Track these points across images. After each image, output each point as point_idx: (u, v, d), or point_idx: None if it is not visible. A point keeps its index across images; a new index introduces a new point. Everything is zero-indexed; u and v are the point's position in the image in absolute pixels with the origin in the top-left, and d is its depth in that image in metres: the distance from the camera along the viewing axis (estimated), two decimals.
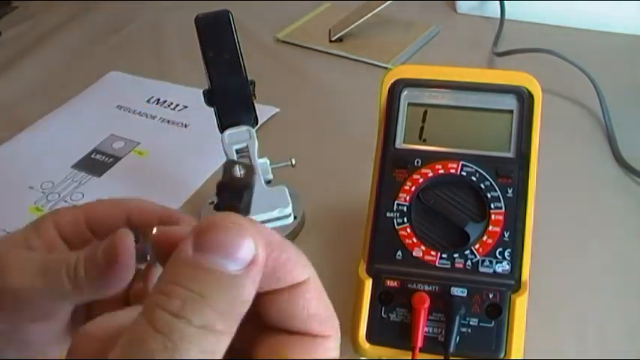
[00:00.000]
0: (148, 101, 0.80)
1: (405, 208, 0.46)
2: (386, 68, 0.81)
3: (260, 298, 0.23)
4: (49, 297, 0.35)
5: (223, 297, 0.21)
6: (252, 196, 0.24)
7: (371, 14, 0.86)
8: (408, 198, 0.46)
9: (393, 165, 0.47)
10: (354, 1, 0.93)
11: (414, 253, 0.44)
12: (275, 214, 0.56)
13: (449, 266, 0.44)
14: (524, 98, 0.47)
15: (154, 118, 0.77)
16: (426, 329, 0.43)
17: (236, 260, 0.21)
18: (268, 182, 0.57)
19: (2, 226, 0.62)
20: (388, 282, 0.45)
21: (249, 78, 0.56)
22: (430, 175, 0.46)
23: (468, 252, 0.44)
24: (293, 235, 0.57)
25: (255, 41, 0.89)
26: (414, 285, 0.44)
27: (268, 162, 0.57)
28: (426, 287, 0.44)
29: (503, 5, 0.89)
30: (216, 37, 0.55)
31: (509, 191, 0.45)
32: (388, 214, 0.46)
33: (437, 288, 0.44)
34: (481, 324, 0.43)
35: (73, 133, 0.75)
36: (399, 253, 0.45)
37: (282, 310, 0.23)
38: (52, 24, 1.01)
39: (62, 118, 0.78)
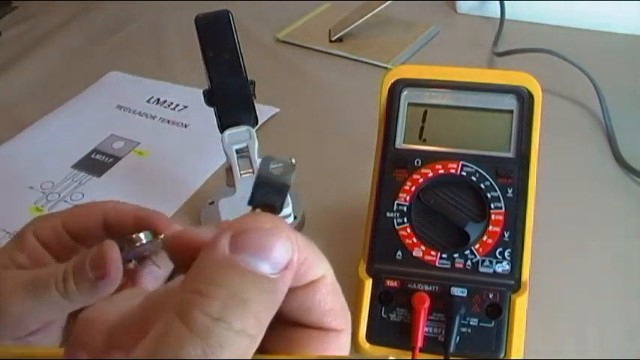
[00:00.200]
0: (148, 101, 0.80)
1: (405, 208, 0.46)
2: (386, 68, 0.81)
3: None
4: (42, 312, 0.36)
5: (262, 301, 0.21)
6: (286, 195, 0.24)
7: (371, 14, 0.86)
8: (408, 198, 0.46)
9: (393, 165, 0.47)
10: (354, 1, 0.93)
11: (414, 253, 0.44)
12: None
13: (449, 266, 0.44)
14: (524, 98, 0.47)
15: (154, 118, 0.77)
16: (426, 329, 0.43)
17: (274, 264, 0.21)
18: None
19: (2, 226, 0.62)
20: (388, 282, 0.45)
21: (249, 78, 0.56)
22: (430, 175, 0.46)
23: (467, 252, 0.44)
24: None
25: (255, 41, 0.89)
26: (414, 285, 0.44)
27: None
28: (426, 287, 0.44)
29: (503, 5, 0.89)
30: (216, 37, 0.55)
31: (509, 191, 0.45)
32: (388, 214, 0.46)
33: (437, 288, 0.44)
34: (481, 324, 0.43)
35: (73, 133, 0.75)
36: (399, 253, 0.45)
37: (298, 306, 0.23)
38: (52, 24, 1.01)
39: (62, 118, 0.78)
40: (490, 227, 0.44)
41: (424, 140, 0.48)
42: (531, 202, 0.45)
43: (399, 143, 0.48)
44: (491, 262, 0.43)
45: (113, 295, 0.25)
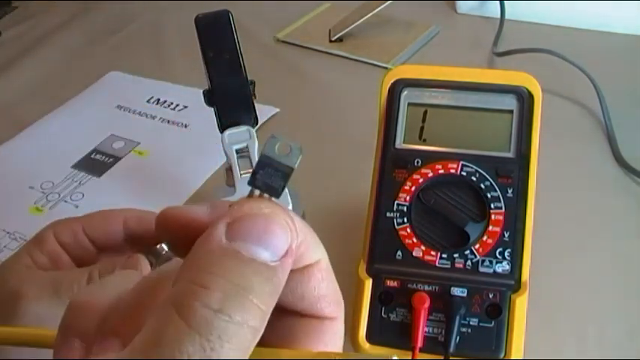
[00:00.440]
0: (148, 101, 0.80)
1: (405, 208, 0.46)
2: (386, 68, 0.81)
3: None
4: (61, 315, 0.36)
5: (263, 290, 0.19)
6: (288, 179, 0.22)
7: (371, 14, 0.86)
8: (408, 198, 0.46)
9: (393, 165, 0.47)
10: (354, 1, 0.93)
11: (414, 253, 0.44)
12: None
13: (449, 266, 0.44)
14: (524, 98, 0.47)
15: (153, 118, 0.77)
16: (426, 329, 0.43)
17: (274, 251, 0.20)
18: None
19: (2, 226, 0.62)
20: (388, 282, 0.45)
21: (249, 78, 0.56)
22: (430, 175, 0.46)
23: (467, 252, 0.44)
24: None
25: (255, 41, 0.89)
26: (414, 285, 0.44)
27: None
28: (426, 287, 0.44)
29: (503, 5, 0.89)
30: (216, 37, 0.55)
31: (509, 191, 0.45)
32: (388, 214, 0.46)
33: (437, 288, 0.44)
34: (481, 324, 0.43)
35: (73, 133, 0.75)
36: (399, 253, 0.45)
37: (292, 291, 0.22)
38: (52, 24, 1.01)
39: (62, 118, 0.78)
40: (490, 227, 0.44)
41: (424, 140, 0.48)
42: (531, 202, 0.45)
43: (399, 143, 0.48)
44: (491, 262, 0.43)
45: (103, 279, 0.24)
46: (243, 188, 0.55)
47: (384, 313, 0.44)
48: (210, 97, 0.55)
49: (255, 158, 0.55)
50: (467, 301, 0.43)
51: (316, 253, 0.22)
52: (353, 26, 0.87)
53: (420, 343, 0.42)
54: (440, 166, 0.46)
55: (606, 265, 0.54)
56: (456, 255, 0.44)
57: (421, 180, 0.46)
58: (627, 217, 0.58)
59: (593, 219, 0.58)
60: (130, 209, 0.43)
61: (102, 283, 0.24)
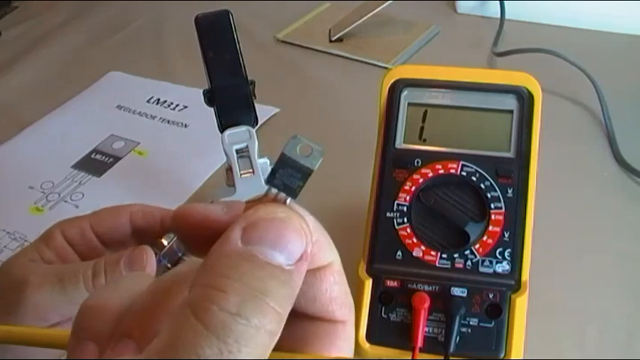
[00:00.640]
0: (148, 101, 0.80)
1: (405, 208, 0.46)
2: (386, 68, 0.81)
3: None
4: (65, 306, 0.36)
5: (280, 293, 0.19)
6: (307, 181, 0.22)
7: (371, 14, 0.86)
8: (408, 198, 0.46)
9: (393, 165, 0.47)
10: (354, 1, 0.93)
11: (414, 253, 0.44)
12: None
13: (449, 266, 0.44)
14: (524, 98, 0.47)
15: (154, 118, 0.77)
16: (426, 329, 0.43)
17: (290, 255, 0.20)
18: None
19: (2, 226, 0.62)
20: (388, 282, 0.45)
21: (249, 78, 0.56)
22: (430, 175, 0.46)
23: (468, 252, 0.44)
24: None
25: (255, 41, 0.89)
26: (414, 285, 0.44)
27: (268, 162, 0.57)
28: (426, 287, 0.44)
29: (503, 5, 0.89)
30: (216, 37, 0.55)
31: (509, 191, 0.45)
32: (388, 214, 0.46)
33: (437, 288, 0.44)
34: (481, 324, 0.43)
35: (73, 133, 0.75)
36: (399, 253, 0.45)
37: (304, 294, 0.22)
38: (52, 24, 1.01)
39: (62, 118, 0.78)
40: (490, 227, 0.44)
41: (424, 140, 0.48)
42: (531, 202, 0.45)
43: (399, 143, 0.48)
44: (491, 262, 0.43)
45: (117, 280, 0.24)
46: (242, 188, 0.55)
47: (384, 313, 0.44)
48: (210, 97, 0.55)
49: (256, 158, 0.55)
50: (467, 301, 0.43)
51: (329, 255, 0.22)
52: (353, 26, 0.87)
53: (420, 343, 0.42)
54: (440, 166, 0.46)
55: (606, 265, 0.54)
56: (456, 255, 0.44)
57: (421, 180, 0.46)
58: (627, 217, 0.58)
59: (593, 219, 0.58)
60: (134, 204, 0.43)
61: (114, 285, 0.24)
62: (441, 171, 0.46)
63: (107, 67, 0.87)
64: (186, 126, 0.75)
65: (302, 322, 0.23)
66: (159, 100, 0.80)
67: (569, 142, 0.67)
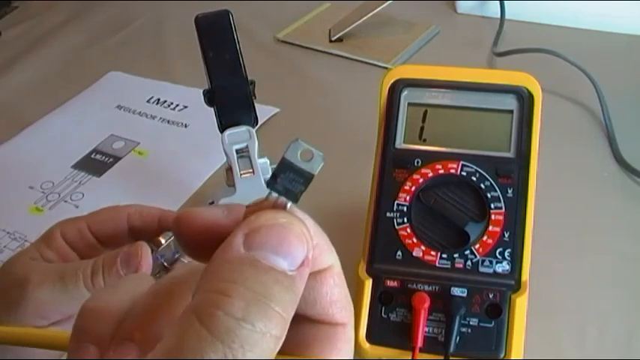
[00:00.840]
0: (148, 101, 0.80)
1: (405, 208, 0.46)
2: (386, 68, 0.81)
3: None
4: (67, 302, 0.37)
5: (284, 298, 0.19)
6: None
7: (371, 14, 0.86)
8: (408, 198, 0.46)
9: (393, 165, 0.47)
10: (354, 1, 0.93)
11: (414, 253, 0.44)
12: None
13: (449, 266, 0.44)
14: (524, 98, 0.47)
15: (154, 118, 0.77)
16: (426, 329, 0.43)
17: (292, 260, 0.20)
18: None
19: (2, 226, 0.62)
20: (388, 282, 0.45)
21: (249, 78, 0.56)
22: (430, 175, 0.46)
23: (467, 252, 0.44)
24: None
25: (255, 41, 0.89)
26: (414, 285, 0.44)
27: (268, 162, 0.57)
28: (426, 287, 0.44)
29: (503, 5, 0.89)
30: (216, 37, 0.55)
31: (509, 191, 0.45)
32: (388, 214, 0.46)
33: (437, 288, 0.44)
34: (481, 324, 0.43)
35: (73, 133, 0.75)
36: (399, 253, 0.45)
37: (305, 296, 0.22)
38: (52, 24, 1.01)
39: (62, 118, 0.78)
40: (490, 227, 0.44)
41: (424, 140, 0.48)
42: (531, 202, 0.45)
43: (399, 143, 0.48)
44: (491, 262, 0.43)
45: (117, 283, 0.24)
46: (243, 188, 0.55)
47: (384, 313, 0.44)
48: (210, 97, 0.55)
49: (256, 158, 0.55)
50: (467, 301, 0.43)
51: (329, 259, 0.23)
52: (353, 26, 0.87)
53: (420, 343, 0.42)
54: (440, 166, 0.46)
55: (606, 265, 0.54)
56: (456, 255, 0.44)
57: (421, 180, 0.46)
58: (627, 217, 0.58)
59: (593, 219, 0.58)
60: (132, 205, 0.43)
61: (114, 288, 0.24)
62: (441, 171, 0.46)
63: (107, 67, 0.87)
64: (186, 126, 0.75)
65: (302, 325, 0.23)
66: (159, 100, 0.80)
67: (569, 142, 0.67)
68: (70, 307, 0.37)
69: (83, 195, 0.65)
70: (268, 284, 0.19)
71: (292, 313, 0.20)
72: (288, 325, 0.20)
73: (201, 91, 0.55)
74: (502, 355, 0.42)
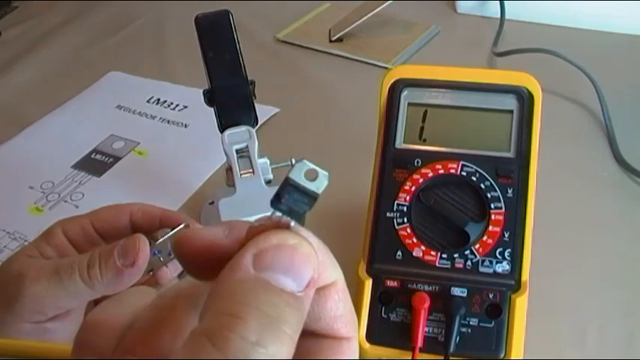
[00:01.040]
0: (148, 101, 0.80)
1: (405, 208, 0.46)
2: (386, 68, 0.81)
3: None
4: (63, 296, 0.36)
5: (294, 320, 0.20)
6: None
7: (371, 14, 0.86)
8: (408, 198, 0.46)
9: (393, 165, 0.47)
10: (354, 1, 0.93)
11: (414, 253, 0.44)
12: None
13: (449, 266, 0.44)
14: (524, 98, 0.47)
15: (153, 118, 0.77)
16: (426, 329, 0.43)
17: (300, 282, 0.20)
18: (268, 182, 0.57)
19: (2, 226, 0.62)
20: (388, 282, 0.45)
21: (249, 78, 0.56)
22: (430, 175, 0.46)
23: (468, 252, 0.44)
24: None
25: (255, 41, 0.89)
26: (414, 285, 0.44)
27: (268, 162, 0.57)
28: (426, 287, 0.44)
29: (503, 5, 0.89)
30: (216, 37, 0.55)
31: (509, 191, 0.45)
32: (388, 214, 0.46)
33: (437, 288, 0.44)
34: (481, 324, 0.43)
35: (73, 133, 0.75)
36: (399, 253, 0.45)
37: (309, 312, 0.22)
38: (52, 24, 1.01)
39: (62, 118, 0.78)
40: (490, 227, 0.44)
41: (424, 140, 0.48)
42: (531, 202, 0.45)
43: (399, 143, 0.48)
44: (491, 262, 0.43)
45: (119, 296, 0.25)
46: (243, 188, 0.55)
47: (384, 313, 0.44)
48: (210, 97, 0.55)
49: (256, 158, 0.55)
50: (467, 301, 0.43)
51: (333, 274, 0.23)
52: (353, 26, 0.87)
53: (420, 343, 0.42)
54: (440, 166, 0.46)
55: (606, 264, 0.54)
56: (456, 255, 0.44)
57: (421, 180, 0.46)
58: (627, 217, 0.58)
59: (593, 219, 0.58)
60: (135, 203, 0.43)
61: (117, 301, 0.24)
62: (441, 171, 0.46)
63: (107, 67, 0.87)
64: (186, 126, 0.75)
65: (307, 339, 0.23)
66: (159, 100, 0.80)
67: (569, 142, 0.67)
68: (67, 301, 0.37)
69: (83, 195, 0.65)
70: (280, 306, 0.19)
71: (299, 333, 0.20)
72: (296, 345, 0.20)
73: (201, 91, 0.56)
74: (502, 355, 0.42)
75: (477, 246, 0.44)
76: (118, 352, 0.21)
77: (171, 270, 0.40)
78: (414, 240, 0.45)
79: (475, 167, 0.46)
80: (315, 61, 0.86)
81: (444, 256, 0.44)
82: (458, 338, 0.42)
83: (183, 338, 0.19)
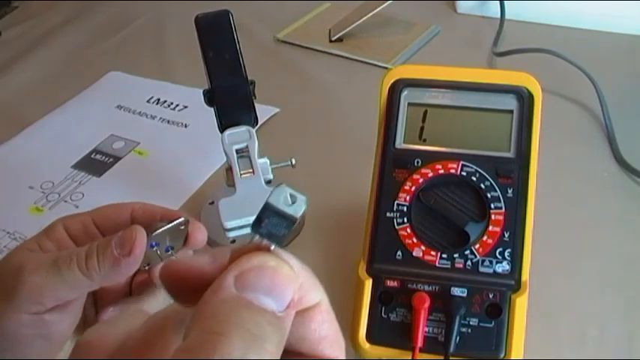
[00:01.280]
0: (148, 101, 0.80)
1: (405, 208, 0.46)
2: (386, 68, 0.81)
3: None
4: (61, 287, 0.37)
5: (275, 338, 0.20)
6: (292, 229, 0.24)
7: (371, 14, 0.86)
8: (408, 198, 0.46)
9: (393, 165, 0.47)
10: (354, 1, 0.93)
11: (414, 253, 0.44)
12: None
13: (449, 266, 0.44)
14: (524, 98, 0.47)
15: (153, 118, 0.77)
16: (426, 329, 0.43)
17: (281, 302, 0.21)
18: (268, 182, 0.57)
19: (2, 226, 0.62)
20: (388, 282, 0.45)
21: (249, 78, 0.56)
22: (430, 175, 0.46)
23: (468, 252, 0.44)
24: (293, 235, 0.57)
25: (255, 41, 0.89)
26: (414, 285, 0.44)
27: (268, 162, 0.57)
28: (426, 287, 0.44)
29: (503, 5, 0.89)
30: (216, 37, 0.55)
31: (509, 191, 0.45)
32: (388, 214, 0.46)
33: (437, 288, 0.44)
34: (481, 324, 0.43)
35: (73, 133, 0.75)
36: (399, 253, 0.45)
37: (293, 334, 0.23)
38: (52, 24, 1.01)
39: (62, 118, 0.78)
40: (490, 227, 0.44)
41: (424, 140, 0.48)
42: (531, 202, 0.45)
43: (399, 143, 0.48)
44: (491, 262, 0.43)
45: (112, 318, 0.25)
46: (243, 188, 0.55)
47: (384, 313, 0.44)
48: (210, 97, 0.55)
49: (256, 158, 0.55)
50: (467, 301, 0.43)
51: (316, 296, 0.23)
52: (353, 26, 0.87)
53: (420, 343, 0.42)
54: (440, 166, 0.46)
55: (606, 264, 0.54)
56: (456, 255, 0.44)
57: (421, 180, 0.46)
58: (627, 217, 0.58)
59: (593, 219, 0.58)
60: (136, 202, 0.44)
61: (111, 322, 0.25)
62: (441, 171, 0.46)
63: (107, 67, 0.88)
64: (186, 126, 0.75)
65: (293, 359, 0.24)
66: (159, 100, 0.80)
67: (569, 142, 0.67)
68: (66, 292, 0.37)
69: (83, 195, 0.65)
70: (263, 325, 0.20)
71: (281, 352, 0.21)
72: None
73: (201, 91, 0.56)
74: (502, 355, 0.42)
75: (477, 246, 0.44)
76: None
77: None
78: (414, 240, 0.45)
79: (475, 167, 0.46)
80: (315, 61, 0.86)
81: (444, 256, 0.44)
82: (458, 338, 0.42)
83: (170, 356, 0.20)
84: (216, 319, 0.20)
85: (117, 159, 0.70)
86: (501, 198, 0.45)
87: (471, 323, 0.43)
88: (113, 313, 0.40)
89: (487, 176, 0.45)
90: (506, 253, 0.43)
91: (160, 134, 0.74)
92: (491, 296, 0.43)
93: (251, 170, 0.55)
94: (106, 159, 0.70)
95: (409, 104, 0.49)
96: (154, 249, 0.39)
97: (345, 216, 0.59)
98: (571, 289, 0.52)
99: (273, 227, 0.23)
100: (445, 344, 0.42)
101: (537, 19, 0.89)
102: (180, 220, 0.40)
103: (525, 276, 0.43)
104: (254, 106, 0.56)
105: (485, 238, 0.44)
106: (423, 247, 0.44)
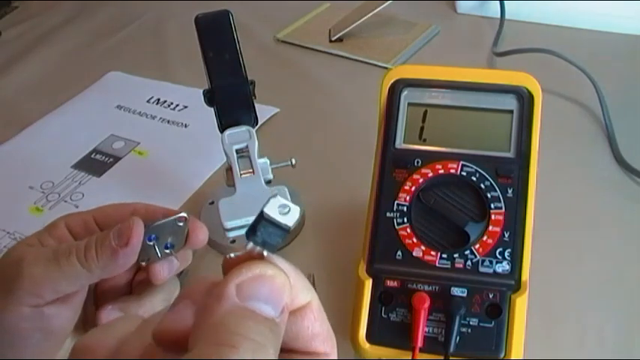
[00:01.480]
0: (148, 101, 0.80)
1: (405, 208, 0.46)
2: (386, 68, 0.81)
3: None
4: (61, 280, 0.37)
5: (275, 343, 0.22)
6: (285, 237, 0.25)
7: (371, 14, 0.86)
8: (408, 198, 0.46)
9: (393, 165, 0.47)
10: (354, 1, 0.93)
11: (414, 253, 0.44)
12: None
13: (449, 266, 0.44)
14: (524, 98, 0.47)
15: (154, 118, 0.77)
16: (426, 329, 0.43)
17: (277, 308, 0.22)
18: (268, 182, 0.57)
19: (2, 226, 0.62)
20: (388, 282, 0.45)
21: (249, 78, 0.56)
22: (430, 175, 0.46)
23: (468, 252, 0.44)
24: (293, 235, 0.57)
25: (255, 41, 0.89)
26: (414, 285, 0.44)
27: (268, 162, 0.57)
28: (426, 287, 0.44)
29: (503, 5, 0.89)
30: (216, 37, 0.55)
31: (509, 191, 0.45)
32: (388, 214, 0.46)
33: (437, 288, 0.44)
34: (481, 324, 0.43)
35: (73, 133, 0.75)
36: (399, 253, 0.45)
37: (287, 332, 0.24)
38: (52, 24, 1.01)
39: (62, 118, 0.78)
40: (490, 227, 0.44)
41: (424, 140, 0.48)
42: (531, 202, 0.45)
43: (399, 143, 0.48)
44: (491, 262, 0.43)
45: (107, 323, 0.26)
46: (242, 188, 0.55)
47: (384, 313, 0.44)
48: (210, 97, 0.55)
49: (256, 158, 0.55)
50: (467, 301, 0.43)
51: (306, 296, 0.25)
52: (353, 26, 0.87)
53: (420, 343, 0.42)
54: (440, 166, 0.46)
55: (606, 265, 0.54)
56: (456, 255, 0.44)
57: (421, 180, 0.46)
58: (627, 217, 0.58)
59: (593, 219, 0.58)
60: (138, 202, 0.44)
61: (105, 327, 0.26)
62: (441, 171, 0.46)
63: (107, 67, 0.88)
64: (186, 126, 0.75)
65: (287, 356, 0.25)
66: (159, 100, 0.80)
67: (569, 142, 0.67)
68: (65, 285, 0.37)
69: (83, 195, 0.65)
70: (266, 334, 0.21)
71: (278, 352, 0.22)
72: None
73: (201, 91, 0.56)
74: (502, 355, 0.42)
75: (477, 246, 0.44)
76: None
77: (165, 270, 0.40)
78: (414, 240, 0.45)
79: (475, 167, 0.46)
80: (315, 61, 0.86)
81: (444, 256, 0.44)
82: (458, 338, 0.42)
83: None
84: (223, 330, 0.21)
85: (117, 159, 0.70)
86: (501, 198, 0.45)
87: (470, 323, 0.43)
88: (113, 311, 0.40)
89: (487, 176, 0.45)
90: (506, 253, 0.43)
91: (159, 134, 0.74)
92: (491, 296, 0.43)
93: (251, 170, 0.55)
94: (106, 159, 0.70)
95: (409, 104, 0.49)
96: (152, 243, 0.39)
97: (345, 216, 0.59)
98: (571, 289, 0.52)
99: (268, 236, 0.24)
100: (445, 344, 0.42)
101: (537, 19, 0.89)
102: (179, 214, 0.40)
103: (525, 276, 0.43)
104: (254, 106, 0.56)
105: (485, 238, 0.44)
106: (423, 247, 0.44)
